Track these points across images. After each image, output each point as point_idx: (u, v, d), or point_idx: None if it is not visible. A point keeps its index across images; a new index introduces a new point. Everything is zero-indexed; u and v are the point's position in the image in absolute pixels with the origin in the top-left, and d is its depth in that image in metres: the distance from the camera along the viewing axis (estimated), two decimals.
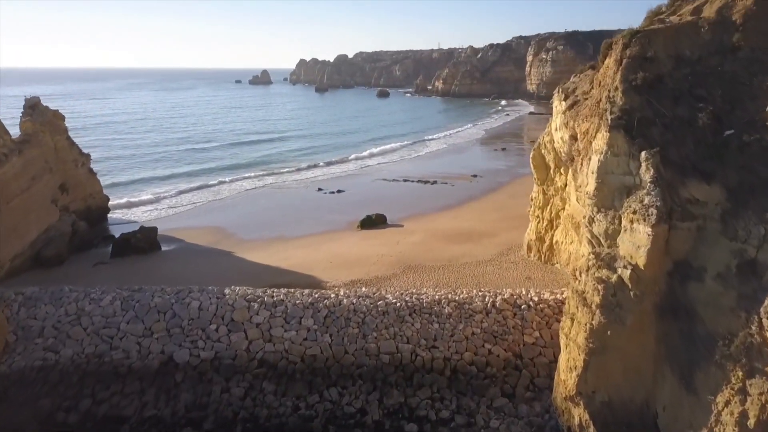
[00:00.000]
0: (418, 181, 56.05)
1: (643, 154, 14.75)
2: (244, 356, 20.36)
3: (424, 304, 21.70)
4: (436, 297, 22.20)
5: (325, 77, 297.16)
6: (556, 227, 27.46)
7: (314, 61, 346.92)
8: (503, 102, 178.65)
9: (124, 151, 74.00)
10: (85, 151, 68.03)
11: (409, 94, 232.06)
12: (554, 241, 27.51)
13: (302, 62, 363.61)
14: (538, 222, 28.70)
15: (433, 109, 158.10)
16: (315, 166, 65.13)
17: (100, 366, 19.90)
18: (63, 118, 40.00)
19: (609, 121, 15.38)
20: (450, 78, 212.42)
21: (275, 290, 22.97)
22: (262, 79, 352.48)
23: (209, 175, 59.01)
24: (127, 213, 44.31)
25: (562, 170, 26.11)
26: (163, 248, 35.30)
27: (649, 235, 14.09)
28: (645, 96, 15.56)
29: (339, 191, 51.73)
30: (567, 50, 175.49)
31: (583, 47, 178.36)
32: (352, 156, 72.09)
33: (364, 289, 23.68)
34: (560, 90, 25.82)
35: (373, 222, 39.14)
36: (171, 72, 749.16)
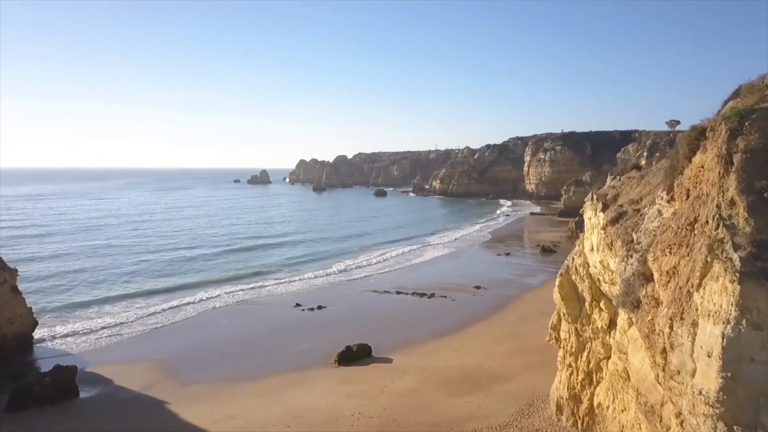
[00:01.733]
0: (414, 294, 48.63)
1: None
2: None
3: None
4: None
5: (323, 177, 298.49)
6: (598, 383, 19.78)
7: (314, 161, 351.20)
8: (502, 202, 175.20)
9: (98, 261, 66.53)
10: (60, 259, 60.78)
11: (406, 194, 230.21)
12: (596, 404, 19.70)
13: (302, 162, 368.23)
14: (571, 374, 21.01)
15: (432, 209, 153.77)
16: (300, 277, 57.41)
17: None
18: None
19: (737, 264, 8.45)
20: (447, 178, 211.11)
21: None
22: (261, 178, 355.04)
23: (184, 291, 51.18)
24: (59, 342, 36.38)
25: (602, 304, 18.92)
26: (82, 394, 27.32)
27: None
28: None
29: (319, 307, 44.10)
30: (565, 150, 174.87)
31: (581, 147, 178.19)
32: (342, 263, 64.98)
33: None
34: (595, 197, 19.26)
35: (354, 355, 31.26)
36: (172, 172, 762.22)
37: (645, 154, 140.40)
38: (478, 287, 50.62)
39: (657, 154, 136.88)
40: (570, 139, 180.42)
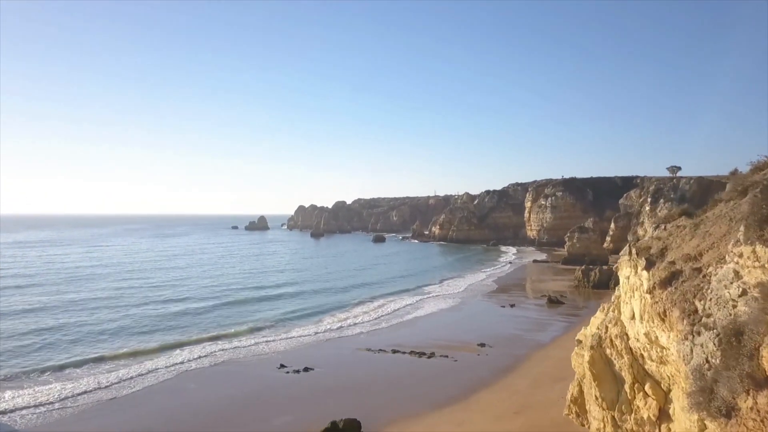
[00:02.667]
0: (411, 353, 44.06)
1: None
2: None
3: None
4: None
5: (322, 223, 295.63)
6: None
7: (313, 207, 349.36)
8: (503, 248, 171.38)
9: (77, 316, 61.10)
10: (36, 314, 58.10)
11: (406, 240, 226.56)
12: None
13: (301, 208, 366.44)
14: None
15: (432, 256, 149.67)
16: (289, 334, 52.45)
17: None
18: None
19: None
20: (447, 224, 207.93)
21: None
22: (259, 224, 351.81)
23: (164, 351, 46.27)
24: (3, 417, 31.70)
25: (648, 388, 14.84)
26: None
27: None
28: None
29: (306, 369, 39.49)
30: (566, 196, 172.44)
31: (582, 193, 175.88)
32: (336, 317, 60.37)
33: None
34: (634, 251, 15.45)
35: None
36: (172, 218, 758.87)
37: (649, 200, 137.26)
38: (482, 345, 46.13)
39: (661, 200, 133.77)
40: (571, 185, 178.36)
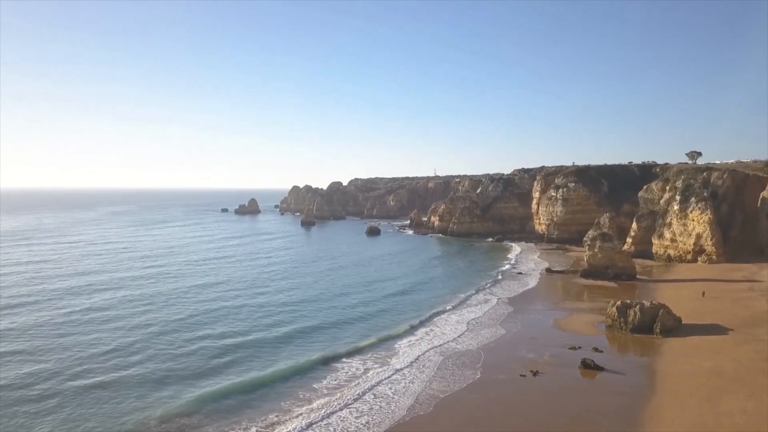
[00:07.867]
0: None
1: None
2: None
3: None
4: None
5: (314, 208, 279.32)
6: None
7: (307, 188, 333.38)
8: (510, 245, 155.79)
9: None
10: None
11: (403, 230, 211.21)
12: None
13: (295, 189, 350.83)
14: None
15: (430, 262, 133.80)
16: None
17: None
18: None
19: None
20: (447, 215, 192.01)
21: None
22: (250, 208, 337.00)
23: None
24: None
25: None
26: None
27: None
28: None
29: None
30: (579, 188, 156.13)
31: (596, 184, 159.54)
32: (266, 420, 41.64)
33: None
34: None
35: None
36: (168, 193, 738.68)
37: (678, 197, 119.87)
38: None
39: (693, 198, 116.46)
40: (584, 175, 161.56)
